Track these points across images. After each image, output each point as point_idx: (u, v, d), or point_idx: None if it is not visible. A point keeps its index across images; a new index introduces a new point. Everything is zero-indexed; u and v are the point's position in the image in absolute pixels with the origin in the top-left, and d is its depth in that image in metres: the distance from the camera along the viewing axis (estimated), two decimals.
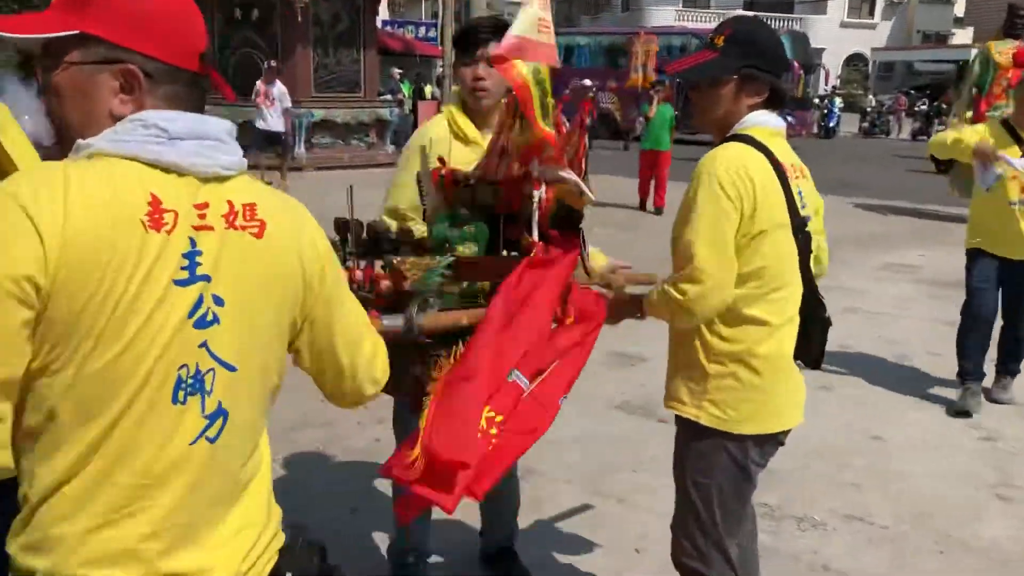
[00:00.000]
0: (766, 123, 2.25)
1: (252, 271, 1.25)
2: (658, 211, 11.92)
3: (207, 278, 1.19)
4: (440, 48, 22.72)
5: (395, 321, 1.97)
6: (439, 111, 2.92)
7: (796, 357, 2.31)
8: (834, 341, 2.39)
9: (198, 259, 1.18)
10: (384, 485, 3.80)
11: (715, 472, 2.31)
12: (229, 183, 1.25)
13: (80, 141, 1.19)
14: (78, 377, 1.12)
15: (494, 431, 2.02)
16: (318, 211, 1.75)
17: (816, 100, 29.78)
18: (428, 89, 22.46)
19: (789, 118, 22.35)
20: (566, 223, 2.27)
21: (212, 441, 1.22)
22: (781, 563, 3.29)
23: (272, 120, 13.38)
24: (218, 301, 1.20)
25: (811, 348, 2.31)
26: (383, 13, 20.49)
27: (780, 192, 2.19)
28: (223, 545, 1.26)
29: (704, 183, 2.16)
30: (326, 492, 3.86)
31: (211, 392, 1.21)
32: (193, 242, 1.18)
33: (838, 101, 29.75)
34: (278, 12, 15.65)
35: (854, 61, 45.83)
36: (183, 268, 1.17)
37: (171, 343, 1.16)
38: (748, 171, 2.15)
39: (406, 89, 20.46)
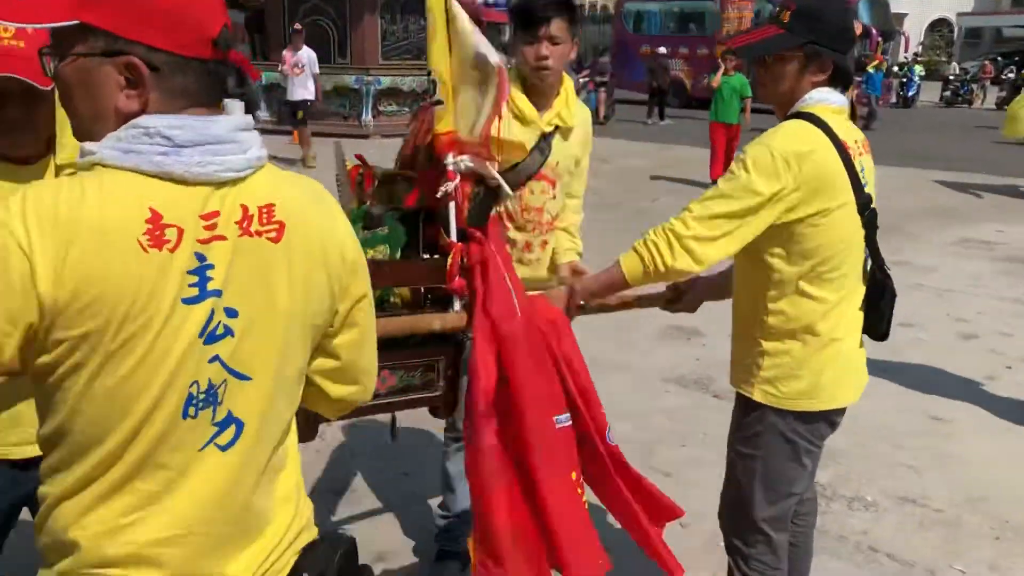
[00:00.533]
0: (828, 100, 2.21)
1: (269, 277, 1.19)
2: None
3: (218, 293, 1.14)
4: (507, 15, 22.57)
5: None
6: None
7: (865, 331, 2.31)
8: (898, 318, 2.36)
9: (208, 273, 1.13)
10: (435, 452, 3.88)
11: (760, 446, 2.31)
12: (245, 184, 1.18)
13: (85, 146, 1.14)
14: (90, 394, 1.11)
15: (579, 490, 2.10)
16: None
17: (896, 68, 28.78)
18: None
19: (867, 89, 21.62)
20: (484, 218, 2.15)
21: (223, 448, 1.19)
22: (827, 543, 3.26)
23: (298, 89, 12.44)
24: (230, 313, 1.16)
25: (879, 321, 2.30)
26: None
27: (843, 171, 2.16)
28: (242, 548, 1.25)
29: (759, 151, 2.13)
30: (380, 456, 3.95)
31: (222, 402, 1.18)
32: (201, 257, 1.12)
33: (918, 69, 28.68)
34: None
35: (938, 27, 44.07)
36: (191, 285, 1.11)
37: (182, 361, 1.13)
38: (807, 151, 2.12)
39: None
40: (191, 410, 1.15)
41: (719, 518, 2.52)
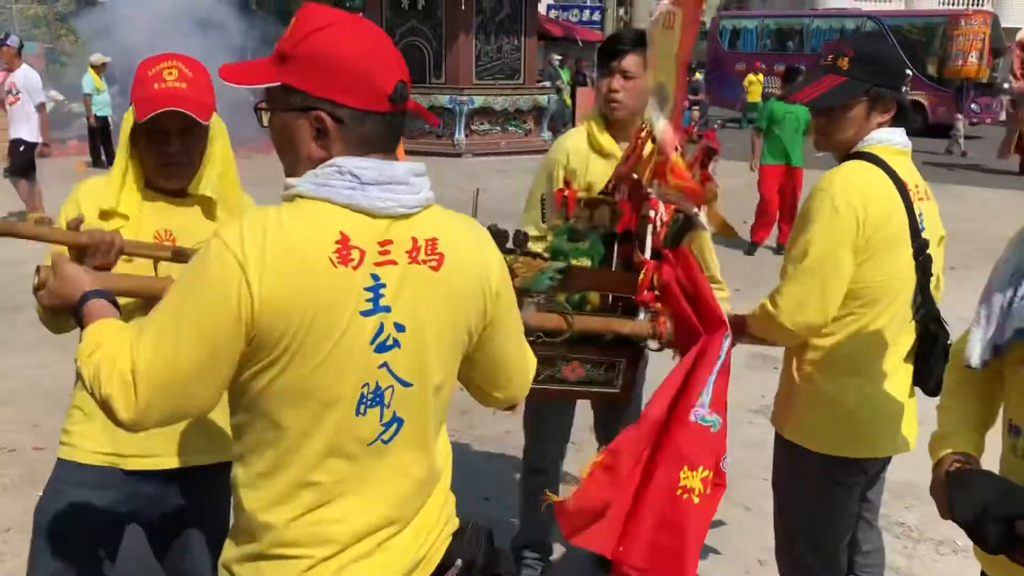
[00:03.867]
0: (890, 141, 2.21)
1: (430, 300, 1.38)
2: (779, 249, 8.66)
3: (387, 308, 1.34)
4: (601, 33, 22.63)
5: None
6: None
7: (915, 383, 2.27)
8: None
9: (381, 291, 1.33)
10: (514, 477, 3.92)
11: (794, 486, 2.33)
12: (414, 219, 1.38)
13: (288, 180, 1.36)
14: (278, 387, 1.31)
15: (709, 490, 2.12)
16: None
17: (1005, 85, 27.66)
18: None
19: (973, 105, 20.80)
20: (678, 242, 2.30)
21: (386, 443, 1.39)
22: None
23: (18, 125, 8.90)
24: (399, 327, 1.35)
25: (928, 376, 2.24)
26: None
27: (903, 212, 2.15)
28: (402, 531, 1.43)
29: (819, 201, 2.14)
30: (458, 479, 3.99)
31: (388, 405, 1.38)
32: (376, 277, 1.33)
33: None
34: (443, 1, 16.08)
35: None
36: (367, 300, 1.32)
37: (356, 364, 1.33)
38: (868, 191, 2.12)
39: (564, 76, 20.51)
40: (362, 407, 1.36)
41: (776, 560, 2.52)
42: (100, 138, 14.07)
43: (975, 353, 1.66)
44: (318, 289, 1.28)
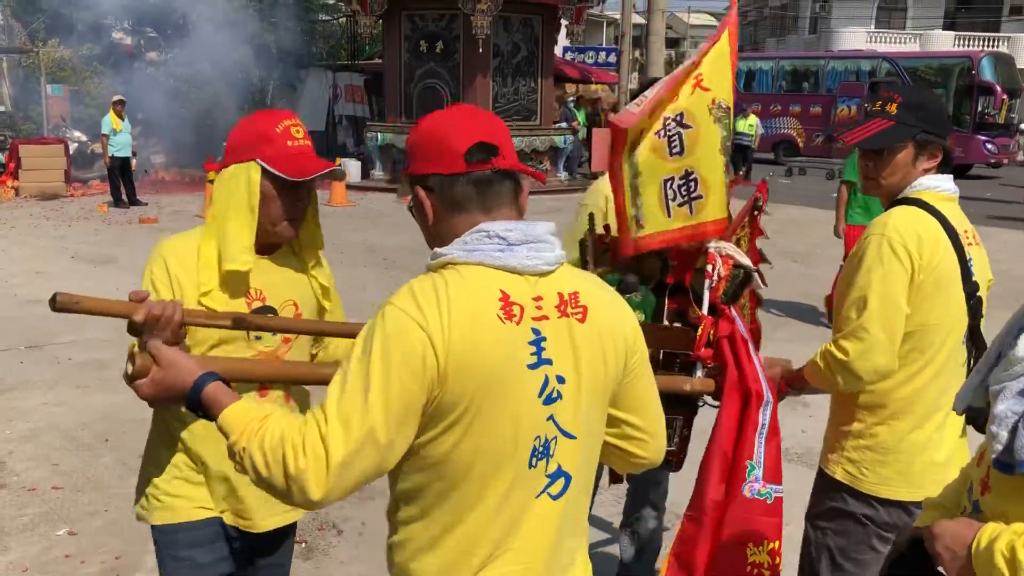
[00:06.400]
0: (938, 187, 2.24)
1: (581, 351, 1.44)
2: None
3: (549, 361, 1.40)
4: (616, 75, 22.82)
5: None
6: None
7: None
8: None
9: (543, 344, 1.39)
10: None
11: (833, 524, 2.31)
12: (554, 275, 1.45)
13: (436, 250, 1.44)
14: (458, 449, 1.35)
15: (777, 560, 2.08)
16: None
17: (1022, 126, 27.64)
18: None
19: (989, 145, 20.78)
20: (737, 297, 2.26)
21: (555, 498, 1.43)
22: None
23: None
24: (560, 379, 1.41)
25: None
26: (563, 40, 20.81)
27: (954, 257, 2.17)
28: None
29: (875, 244, 2.16)
30: None
31: (552, 456, 1.42)
32: (536, 331, 1.39)
33: None
34: (460, 43, 16.31)
35: None
36: (532, 354, 1.38)
37: (529, 418, 1.38)
38: (921, 234, 2.14)
39: (580, 116, 20.68)
40: (534, 460, 1.40)
41: None
42: (121, 177, 14.26)
43: (958, 398, 1.66)
44: (492, 345, 1.34)
